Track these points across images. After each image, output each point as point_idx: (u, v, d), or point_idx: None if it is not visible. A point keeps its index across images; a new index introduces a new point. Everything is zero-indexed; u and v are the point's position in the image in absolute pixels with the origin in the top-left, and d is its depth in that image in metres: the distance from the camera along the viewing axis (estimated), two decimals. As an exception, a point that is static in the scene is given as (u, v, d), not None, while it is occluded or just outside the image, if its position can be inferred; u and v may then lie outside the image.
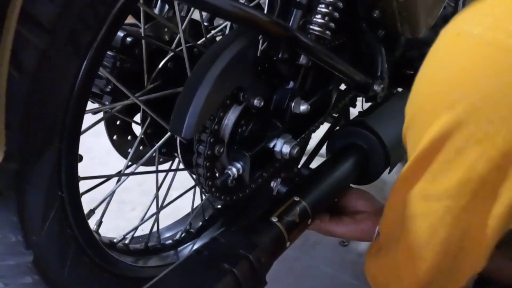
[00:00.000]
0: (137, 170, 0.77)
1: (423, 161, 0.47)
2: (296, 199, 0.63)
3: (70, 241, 0.53)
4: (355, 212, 0.73)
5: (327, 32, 0.63)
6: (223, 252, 0.50)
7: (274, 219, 0.58)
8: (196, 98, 0.54)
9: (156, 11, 0.84)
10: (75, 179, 0.51)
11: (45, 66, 0.40)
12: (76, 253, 0.55)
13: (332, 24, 0.63)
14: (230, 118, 0.64)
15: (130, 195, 1.32)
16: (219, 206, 0.99)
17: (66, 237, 0.52)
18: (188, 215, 0.95)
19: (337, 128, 1.09)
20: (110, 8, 0.44)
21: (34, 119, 0.41)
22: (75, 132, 0.47)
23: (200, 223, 0.95)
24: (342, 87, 0.93)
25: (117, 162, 1.51)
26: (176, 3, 0.67)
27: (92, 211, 0.64)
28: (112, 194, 0.70)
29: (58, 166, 0.47)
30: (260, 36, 0.60)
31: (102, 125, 0.72)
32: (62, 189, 0.49)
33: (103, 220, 0.72)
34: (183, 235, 0.90)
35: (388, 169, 0.85)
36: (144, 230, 0.88)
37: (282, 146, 0.68)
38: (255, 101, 0.62)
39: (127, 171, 0.76)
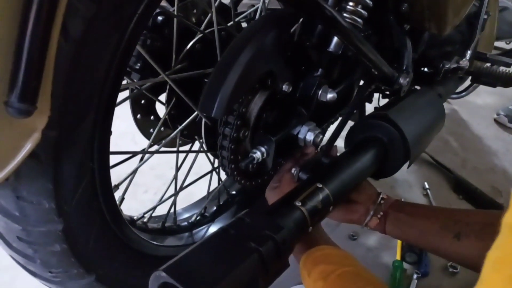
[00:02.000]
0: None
1: None
2: (319, 185, 0.63)
3: (96, 213, 0.54)
4: (348, 201, 0.78)
5: (359, 20, 0.63)
6: (249, 232, 0.50)
7: (298, 203, 0.58)
8: (228, 79, 0.54)
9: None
10: (107, 152, 0.52)
11: (90, 36, 0.40)
12: (101, 226, 0.56)
13: (364, 12, 0.63)
14: (257, 102, 0.64)
15: (143, 178, 1.33)
16: (234, 192, 1.00)
17: (93, 209, 0.53)
18: (203, 199, 0.96)
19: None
20: (152, -18, 0.44)
21: (76, 88, 0.42)
22: (111, 105, 0.48)
23: (215, 208, 0.95)
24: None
25: (129, 145, 1.52)
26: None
27: (116, 187, 0.65)
28: (135, 171, 0.71)
29: (92, 138, 0.47)
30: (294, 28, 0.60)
31: (118, 108, 0.73)
32: (93, 161, 0.49)
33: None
34: (198, 218, 0.91)
35: (407, 164, 0.85)
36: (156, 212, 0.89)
37: (306, 133, 0.68)
38: (284, 87, 0.62)
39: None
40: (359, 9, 0.61)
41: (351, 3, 0.61)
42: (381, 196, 0.78)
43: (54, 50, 0.35)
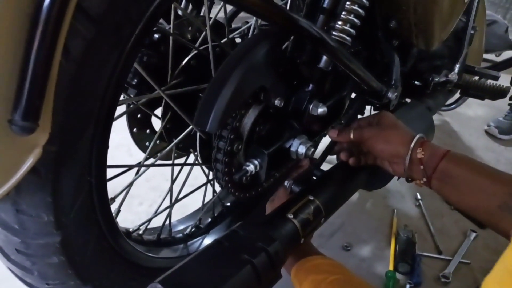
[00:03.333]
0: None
1: None
2: (311, 198, 0.65)
3: (93, 225, 0.55)
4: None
5: (348, 38, 0.65)
6: (242, 244, 0.52)
7: (290, 216, 0.60)
8: (222, 95, 0.56)
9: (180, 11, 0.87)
10: (104, 165, 0.53)
11: (90, 56, 0.42)
12: (98, 238, 0.57)
13: (353, 31, 0.65)
14: (250, 117, 0.66)
15: (138, 190, 1.34)
16: (228, 204, 1.01)
17: (90, 222, 0.54)
18: (198, 210, 0.97)
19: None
20: (150, 3, 0.47)
21: (75, 105, 0.43)
22: (109, 120, 0.50)
23: (210, 219, 0.97)
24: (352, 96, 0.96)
25: (125, 157, 1.53)
26: (206, 2, 0.69)
27: (112, 199, 0.66)
28: (131, 184, 0.72)
29: (90, 152, 0.49)
30: (285, 44, 0.63)
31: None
32: (91, 174, 0.51)
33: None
34: (193, 230, 0.92)
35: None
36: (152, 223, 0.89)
37: (298, 146, 0.70)
38: (276, 101, 0.64)
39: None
40: (347, 27, 0.64)
41: (339, 22, 0.63)
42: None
43: (56, 69, 0.37)
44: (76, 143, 0.46)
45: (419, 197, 1.46)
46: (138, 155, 1.36)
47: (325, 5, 0.60)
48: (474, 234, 1.29)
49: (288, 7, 0.80)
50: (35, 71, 0.33)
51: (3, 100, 0.33)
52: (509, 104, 2.14)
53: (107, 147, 0.52)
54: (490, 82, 1.41)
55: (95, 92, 0.45)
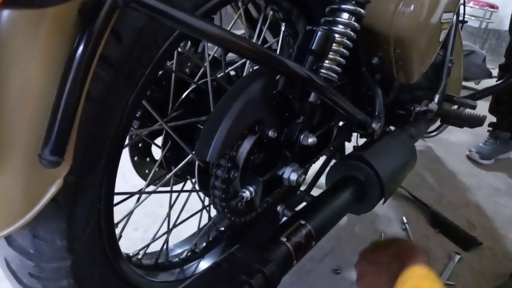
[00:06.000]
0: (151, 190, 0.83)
1: None
2: (302, 222, 0.70)
3: (100, 250, 0.59)
4: None
5: (334, 75, 0.72)
6: (240, 266, 0.56)
7: (284, 239, 0.64)
8: (221, 127, 0.61)
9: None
10: (112, 192, 0.57)
11: (107, 96, 0.47)
12: (104, 262, 0.61)
13: (338, 69, 0.72)
14: (246, 147, 0.71)
15: (133, 216, 1.35)
16: (223, 228, 1.05)
17: (97, 246, 0.58)
18: (193, 235, 1.01)
19: (335, 161, 1.17)
20: (159, 49, 0.52)
21: (93, 139, 0.48)
22: (119, 151, 0.54)
23: (205, 244, 1.00)
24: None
25: (120, 183, 1.56)
26: (206, 42, 0.75)
27: (116, 225, 0.70)
28: (132, 211, 0.76)
29: (101, 180, 0.53)
30: (278, 77, 0.69)
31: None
32: (100, 201, 0.55)
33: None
34: (189, 254, 0.95)
35: (382, 200, 0.92)
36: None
37: (290, 174, 0.75)
38: (270, 133, 0.70)
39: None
40: (334, 66, 0.70)
41: (327, 61, 0.70)
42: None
43: (80, 109, 0.42)
44: (91, 173, 0.50)
45: (405, 220, 1.51)
46: (132, 181, 1.38)
47: (313, 47, 0.66)
48: (458, 257, 1.33)
49: (279, 45, 0.87)
50: (65, 111, 0.38)
51: (36, 138, 0.38)
52: (488, 131, 2.24)
53: (115, 175, 0.57)
54: (468, 111, 1.50)
55: (109, 127, 0.50)
